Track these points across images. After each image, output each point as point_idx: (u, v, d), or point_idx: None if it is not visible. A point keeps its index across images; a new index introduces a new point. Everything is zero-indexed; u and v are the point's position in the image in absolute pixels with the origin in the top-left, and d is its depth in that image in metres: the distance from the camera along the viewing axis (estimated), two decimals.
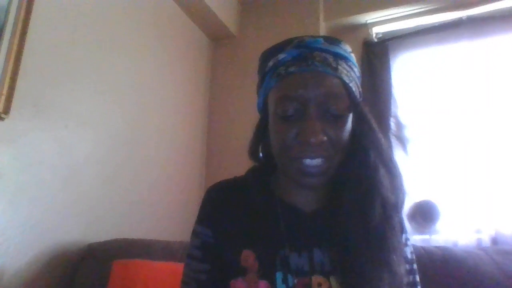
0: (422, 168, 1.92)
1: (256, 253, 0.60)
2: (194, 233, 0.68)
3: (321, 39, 0.61)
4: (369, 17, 2.17)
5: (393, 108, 2.04)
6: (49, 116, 1.32)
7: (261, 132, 0.68)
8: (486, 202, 1.75)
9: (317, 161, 0.57)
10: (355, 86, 0.61)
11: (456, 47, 1.98)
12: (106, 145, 1.56)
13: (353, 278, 0.55)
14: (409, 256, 0.65)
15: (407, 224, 1.85)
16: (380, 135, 0.62)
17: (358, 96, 0.62)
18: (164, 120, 1.96)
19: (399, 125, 2.03)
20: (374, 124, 0.63)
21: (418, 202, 1.89)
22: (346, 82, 0.59)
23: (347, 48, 0.63)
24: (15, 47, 1.19)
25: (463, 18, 1.98)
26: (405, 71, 2.08)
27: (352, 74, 0.62)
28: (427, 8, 2.04)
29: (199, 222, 0.68)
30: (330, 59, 0.60)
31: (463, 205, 1.79)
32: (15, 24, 1.20)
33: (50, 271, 1.28)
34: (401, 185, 0.61)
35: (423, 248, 1.25)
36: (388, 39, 2.15)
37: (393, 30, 2.16)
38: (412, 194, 1.92)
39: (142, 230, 1.66)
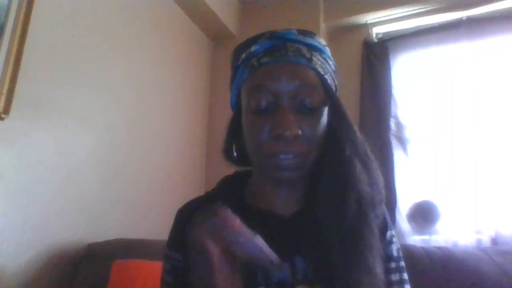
0: (422, 169, 1.92)
1: None
2: (165, 257, 0.65)
3: (295, 31, 0.59)
4: (369, 18, 2.17)
5: (393, 109, 2.04)
6: (49, 116, 1.32)
7: (234, 130, 0.66)
8: (486, 202, 1.75)
9: (291, 157, 0.55)
10: (330, 79, 0.60)
11: (456, 48, 1.99)
12: (106, 145, 1.56)
13: (332, 283, 0.52)
14: (395, 253, 0.62)
15: (406, 224, 1.87)
16: (355, 129, 0.59)
17: (333, 89, 0.61)
18: (164, 120, 1.96)
19: (399, 125, 2.03)
20: (350, 118, 0.60)
21: (418, 203, 1.89)
22: (321, 73, 0.58)
23: (321, 41, 0.62)
24: (15, 47, 1.19)
25: (463, 18, 1.98)
26: (405, 72, 2.08)
27: (327, 66, 0.60)
28: (427, 9, 2.04)
29: (169, 245, 0.65)
30: (304, 50, 0.58)
31: (463, 206, 1.79)
32: (15, 24, 1.20)
33: (50, 271, 1.28)
34: (378, 180, 0.58)
35: (423, 248, 1.25)
36: (388, 40, 2.15)
37: (393, 31, 2.16)
38: (411, 194, 1.93)
39: (142, 230, 1.66)
